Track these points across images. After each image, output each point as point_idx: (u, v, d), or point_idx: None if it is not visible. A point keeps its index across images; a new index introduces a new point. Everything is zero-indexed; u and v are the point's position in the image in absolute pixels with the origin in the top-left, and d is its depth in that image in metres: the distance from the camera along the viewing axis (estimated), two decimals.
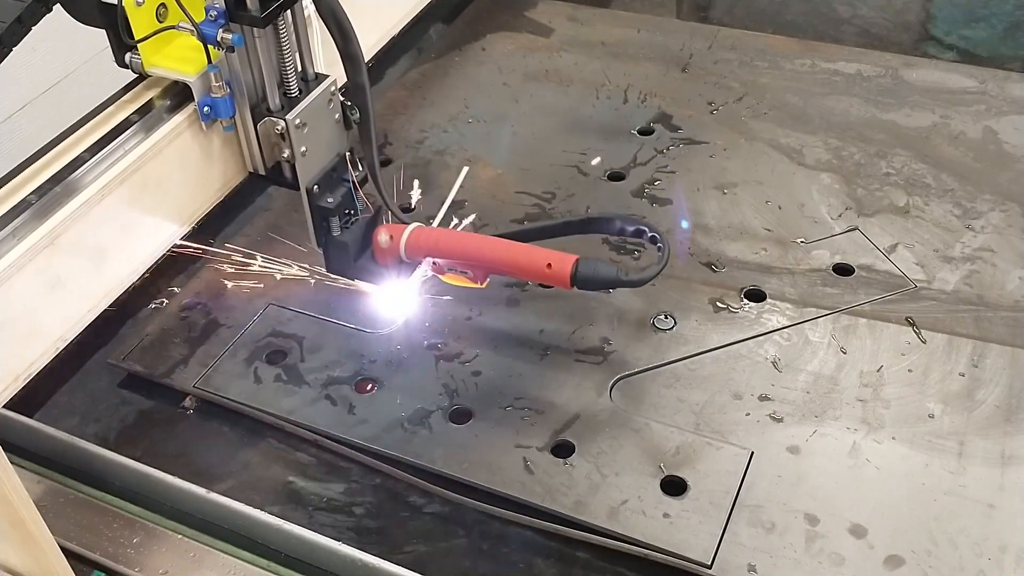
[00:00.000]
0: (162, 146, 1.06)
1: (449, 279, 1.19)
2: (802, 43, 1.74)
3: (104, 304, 1.11)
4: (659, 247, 1.15)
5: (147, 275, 1.38)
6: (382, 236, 1.17)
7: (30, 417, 1.14)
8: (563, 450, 1.11)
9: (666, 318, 1.25)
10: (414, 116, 1.62)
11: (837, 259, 1.32)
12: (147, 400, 1.21)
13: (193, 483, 1.04)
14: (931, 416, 1.12)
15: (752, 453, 1.09)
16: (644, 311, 1.26)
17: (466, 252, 1.16)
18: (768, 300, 1.27)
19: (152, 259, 1.11)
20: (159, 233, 1.10)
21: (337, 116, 1.15)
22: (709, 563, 0.99)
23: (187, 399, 1.20)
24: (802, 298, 1.27)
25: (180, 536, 1.03)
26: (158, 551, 1.02)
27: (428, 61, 1.75)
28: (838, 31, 1.81)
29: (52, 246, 1.02)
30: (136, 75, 1.15)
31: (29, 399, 1.22)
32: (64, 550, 1.03)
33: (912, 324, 1.23)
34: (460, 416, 1.15)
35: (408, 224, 1.18)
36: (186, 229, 1.14)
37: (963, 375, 1.16)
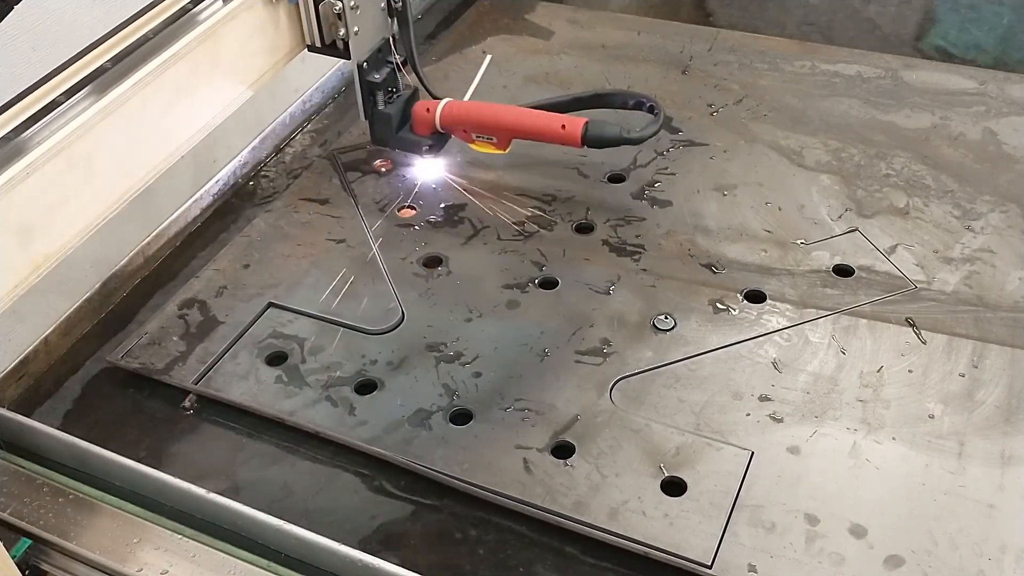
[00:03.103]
0: (236, 13, 1.22)
1: (477, 146, 1.41)
2: (801, 45, 1.74)
3: (184, 150, 1.22)
4: (656, 113, 1.38)
5: (146, 274, 1.40)
6: (421, 109, 1.40)
7: (30, 417, 1.14)
8: (563, 451, 1.11)
9: (666, 319, 1.25)
10: None
11: (837, 260, 1.32)
12: (147, 400, 1.21)
13: (193, 483, 1.04)
14: (931, 416, 1.12)
15: (752, 453, 1.09)
16: (644, 312, 1.26)
17: (492, 120, 1.38)
18: (768, 301, 1.27)
19: (225, 113, 1.26)
20: (231, 90, 1.27)
21: (383, 5, 1.37)
22: (709, 563, 0.99)
23: (187, 399, 1.20)
24: (802, 299, 1.27)
25: (180, 536, 1.03)
26: (158, 551, 1.02)
27: (429, 64, 1.76)
28: (844, 31, 1.81)
29: (141, 93, 1.13)
30: None
31: (29, 399, 1.23)
32: (63, 550, 1.03)
33: (912, 325, 1.23)
34: (460, 417, 1.15)
35: (442, 99, 1.40)
36: (253, 90, 1.30)
37: (963, 375, 1.16)
